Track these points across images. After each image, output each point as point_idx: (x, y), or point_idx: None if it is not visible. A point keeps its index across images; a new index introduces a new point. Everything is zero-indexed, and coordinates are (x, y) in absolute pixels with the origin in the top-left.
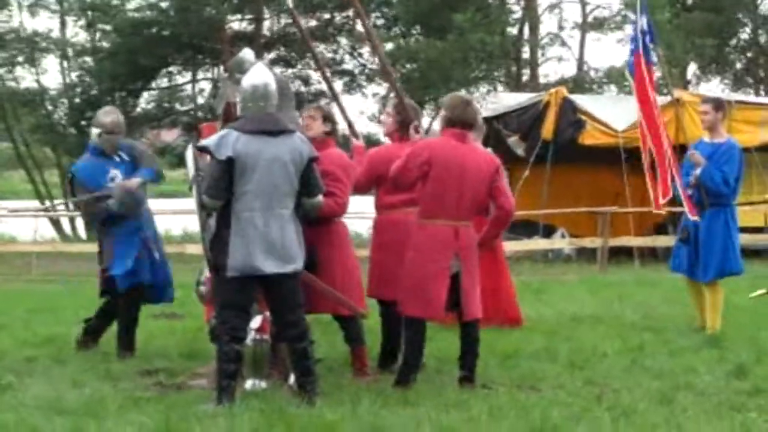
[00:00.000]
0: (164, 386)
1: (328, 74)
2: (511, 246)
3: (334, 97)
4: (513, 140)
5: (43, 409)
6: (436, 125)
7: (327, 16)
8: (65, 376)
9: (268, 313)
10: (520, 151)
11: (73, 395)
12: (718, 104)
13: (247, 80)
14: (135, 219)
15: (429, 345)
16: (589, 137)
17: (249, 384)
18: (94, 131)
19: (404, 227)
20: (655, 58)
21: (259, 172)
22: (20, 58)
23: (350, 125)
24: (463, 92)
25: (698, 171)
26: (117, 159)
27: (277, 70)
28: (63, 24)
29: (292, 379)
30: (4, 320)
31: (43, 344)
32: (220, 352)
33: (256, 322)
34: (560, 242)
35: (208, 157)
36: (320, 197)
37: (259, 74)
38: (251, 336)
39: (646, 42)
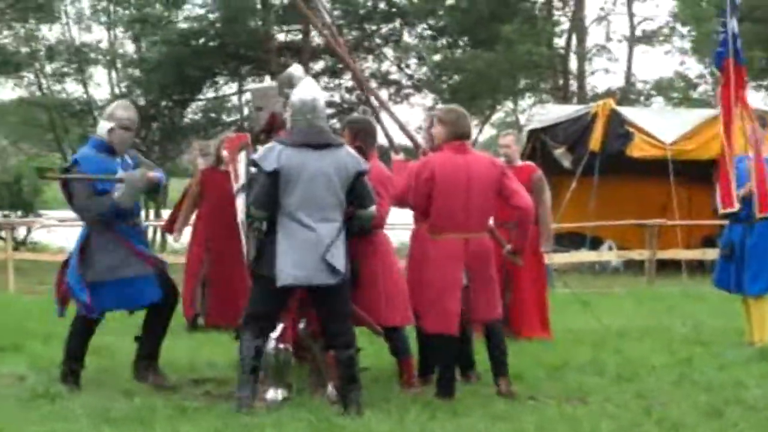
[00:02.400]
0: (212, 396)
1: (372, 86)
2: (558, 258)
3: (374, 112)
4: (560, 152)
5: (93, 418)
6: (482, 137)
7: (373, 27)
8: (114, 385)
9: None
10: (567, 163)
11: (122, 405)
12: (763, 122)
13: (296, 95)
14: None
15: (476, 357)
16: (637, 149)
17: (270, 394)
18: (106, 125)
19: None
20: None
21: (303, 184)
22: (69, 70)
23: (390, 140)
24: (511, 105)
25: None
26: (122, 160)
27: (324, 80)
28: (112, 35)
29: (330, 389)
30: (53, 330)
31: (90, 354)
32: (241, 348)
33: (276, 330)
34: (608, 254)
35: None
36: (373, 208)
37: (308, 89)
38: (272, 345)
39: (737, 46)
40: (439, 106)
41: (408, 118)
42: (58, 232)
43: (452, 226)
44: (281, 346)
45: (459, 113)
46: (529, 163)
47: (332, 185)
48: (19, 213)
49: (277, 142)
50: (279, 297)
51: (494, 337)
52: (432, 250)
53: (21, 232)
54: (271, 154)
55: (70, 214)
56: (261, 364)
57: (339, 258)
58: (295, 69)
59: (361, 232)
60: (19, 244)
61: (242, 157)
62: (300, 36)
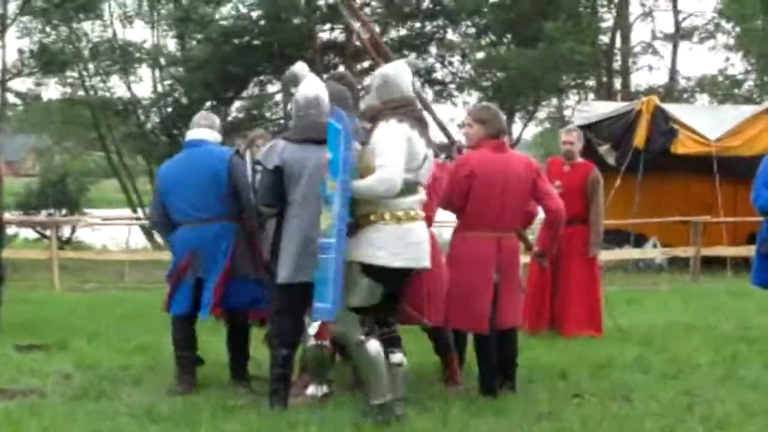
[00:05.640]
0: (257, 394)
1: (416, 84)
2: (602, 255)
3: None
4: (604, 149)
5: (137, 416)
6: (526, 135)
7: (417, 25)
8: (158, 383)
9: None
10: (611, 160)
11: (166, 403)
12: None
13: (300, 91)
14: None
15: (519, 354)
16: (682, 146)
17: (310, 390)
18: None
19: None
20: None
21: (306, 180)
22: (113, 68)
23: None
24: (556, 101)
25: None
26: None
27: (367, 79)
28: (156, 34)
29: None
30: (98, 328)
31: (135, 352)
32: (270, 356)
33: (314, 327)
34: (652, 252)
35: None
36: None
37: (311, 85)
38: (310, 342)
39: None
40: (471, 105)
41: (453, 116)
42: (102, 230)
43: (486, 224)
44: (320, 342)
45: (495, 111)
46: (588, 161)
47: None
48: (64, 211)
49: (281, 138)
50: (296, 293)
51: (511, 343)
52: (464, 248)
53: (66, 231)
54: (274, 151)
55: (114, 213)
56: (289, 371)
57: None
58: (300, 67)
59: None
60: (63, 243)
61: (247, 156)
62: (344, 35)
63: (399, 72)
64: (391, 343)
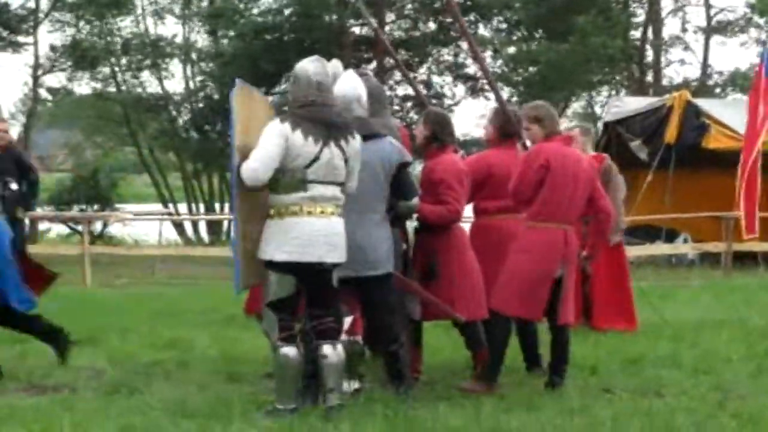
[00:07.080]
0: None
1: (448, 80)
2: (633, 251)
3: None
4: (636, 144)
5: (169, 411)
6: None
7: (449, 20)
8: (190, 378)
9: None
10: (643, 155)
11: (198, 398)
12: None
13: (338, 88)
14: None
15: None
16: (713, 141)
17: (343, 386)
18: None
19: (498, 233)
20: None
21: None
22: (145, 63)
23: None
24: (585, 96)
25: None
26: None
27: (397, 74)
28: (187, 29)
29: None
30: (129, 323)
31: (167, 347)
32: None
33: (346, 323)
34: (683, 247)
35: None
36: (416, 200)
37: (349, 82)
38: (342, 337)
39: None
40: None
41: (485, 112)
42: (134, 225)
43: (555, 216)
44: (351, 338)
45: (547, 108)
46: (598, 153)
47: (377, 177)
48: (96, 207)
49: None
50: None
51: (562, 343)
52: (533, 237)
53: (97, 226)
54: None
55: (145, 208)
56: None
57: (379, 251)
58: (335, 65)
59: (434, 227)
60: (95, 238)
61: None
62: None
63: (309, 71)
64: (323, 335)
